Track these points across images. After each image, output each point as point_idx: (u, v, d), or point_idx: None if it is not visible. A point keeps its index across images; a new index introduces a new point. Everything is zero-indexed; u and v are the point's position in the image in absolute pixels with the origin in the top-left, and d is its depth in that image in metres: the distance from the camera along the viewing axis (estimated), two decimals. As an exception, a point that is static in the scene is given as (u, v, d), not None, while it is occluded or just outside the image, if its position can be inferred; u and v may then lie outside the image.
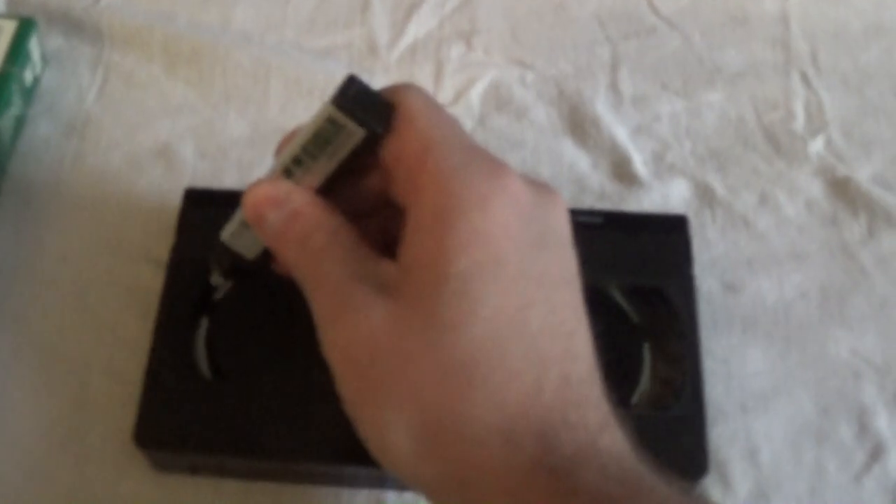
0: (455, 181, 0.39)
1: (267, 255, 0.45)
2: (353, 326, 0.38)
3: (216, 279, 0.48)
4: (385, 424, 0.38)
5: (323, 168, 0.41)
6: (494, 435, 0.37)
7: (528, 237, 0.39)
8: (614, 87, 0.64)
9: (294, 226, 0.41)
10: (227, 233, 0.45)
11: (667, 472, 0.38)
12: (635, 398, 0.50)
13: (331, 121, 0.40)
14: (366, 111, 0.40)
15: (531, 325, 0.38)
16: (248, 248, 0.45)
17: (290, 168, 0.42)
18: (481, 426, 0.37)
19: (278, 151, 0.44)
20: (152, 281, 0.55)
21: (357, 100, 0.40)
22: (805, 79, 0.65)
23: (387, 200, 0.44)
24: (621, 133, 0.62)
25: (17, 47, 0.60)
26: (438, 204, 0.39)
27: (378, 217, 0.45)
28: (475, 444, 0.37)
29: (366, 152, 0.41)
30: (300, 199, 0.41)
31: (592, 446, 0.37)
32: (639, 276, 0.53)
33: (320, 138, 0.40)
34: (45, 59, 0.64)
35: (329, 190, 0.42)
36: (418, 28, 0.67)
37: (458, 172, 0.39)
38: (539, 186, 0.41)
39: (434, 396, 0.37)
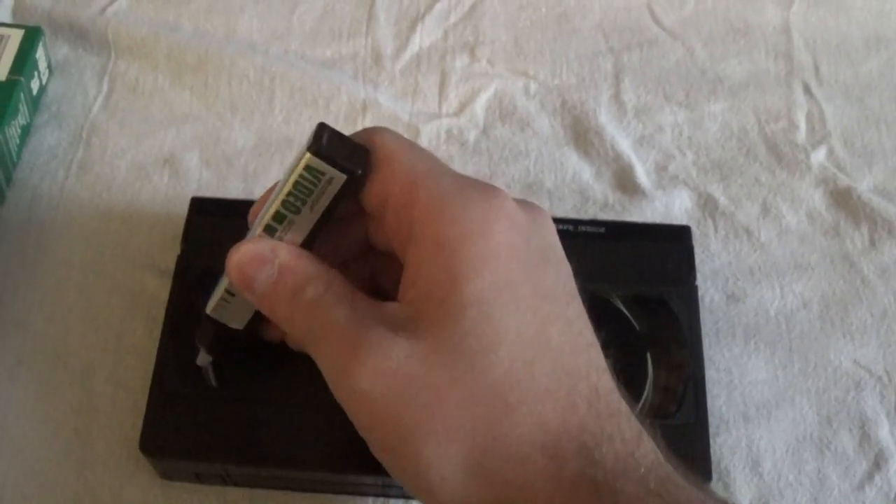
0: (451, 208, 0.39)
1: (255, 322, 0.45)
2: (374, 368, 0.37)
3: (202, 358, 0.48)
4: (428, 463, 0.37)
5: (305, 220, 0.41)
6: (538, 452, 0.37)
7: (531, 256, 0.39)
8: (617, 98, 0.64)
9: (285, 282, 0.40)
10: (212, 305, 0.45)
11: (699, 481, 0.38)
12: (638, 407, 0.50)
13: (309, 169, 0.39)
14: (342, 155, 0.39)
15: (552, 341, 0.38)
16: (235, 318, 0.45)
17: (272, 225, 0.41)
18: (525, 445, 0.37)
19: (253, 215, 0.43)
20: (157, 288, 0.55)
21: (331, 145, 0.39)
22: (807, 89, 0.65)
23: (368, 246, 0.44)
24: (624, 143, 0.62)
25: (24, 56, 0.61)
26: (439, 234, 0.38)
27: (361, 264, 0.45)
28: (521, 463, 0.37)
29: (346, 198, 0.40)
30: (286, 253, 0.41)
31: (631, 457, 0.37)
32: (642, 286, 0.53)
33: (300, 189, 0.40)
34: (51, 68, 0.64)
35: (311, 243, 0.42)
36: (423, 39, 0.67)
37: (452, 200, 0.39)
38: (526, 203, 0.41)
39: (475, 425, 0.37)
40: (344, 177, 0.40)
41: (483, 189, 0.40)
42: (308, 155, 0.39)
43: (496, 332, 0.37)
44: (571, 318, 0.40)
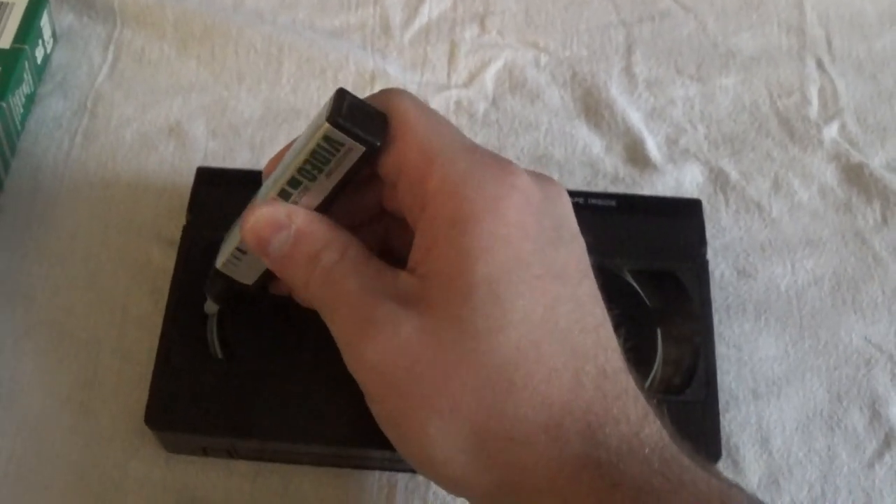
0: (465, 186, 0.38)
1: (265, 278, 0.45)
2: (382, 342, 0.38)
3: (209, 307, 0.48)
4: (432, 440, 0.38)
5: (321, 188, 0.41)
6: (542, 433, 0.37)
7: (544, 234, 0.39)
8: (628, 71, 0.64)
9: (301, 247, 0.41)
10: (222, 260, 0.45)
11: (705, 462, 0.38)
12: (647, 383, 0.50)
13: (327, 139, 0.39)
14: (362, 125, 0.39)
15: (561, 321, 0.38)
16: (245, 274, 0.45)
17: (287, 190, 0.41)
18: (529, 426, 0.37)
19: (267, 172, 0.43)
20: (163, 259, 0.55)
21: (351, 114, 0.39)
22: (820, 64, 0.65)
23: (382, 211, 0.44)
24: (635, 117, 0.62)
25: (29, 24, 0.60)
26: (451, 211, 0.38)
27: (375, 226, 0.44)
28: (524, 444, 0.37)
29: (364, 166, 0.40)
30: (303, 219, 0.41)
31: (636, 438, 0.37)
32: (652, 260, 0.52)
33: (317, 158, 0.39)
34: (55, 37, 0.64)
35: (327, 208, 0.41)
36: (432, 9, 0.66)
37: (465, 177, 0.39)
38: (542, 178, 0.41)
39: (480, 404, 0.37)
40: (363, 148, 0.39)
41: (498, 166, 0.40)
42: (326, 125, 0.38)
43: (504, 312, 0.37)
44: (582, 298, 0.39)
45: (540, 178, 0.41)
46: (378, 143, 0.39)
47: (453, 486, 0.40)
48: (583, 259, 0.41)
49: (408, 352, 0.37)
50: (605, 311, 0.40)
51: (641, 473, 0.36)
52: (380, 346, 0.38)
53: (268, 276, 0.44)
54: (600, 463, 0.36)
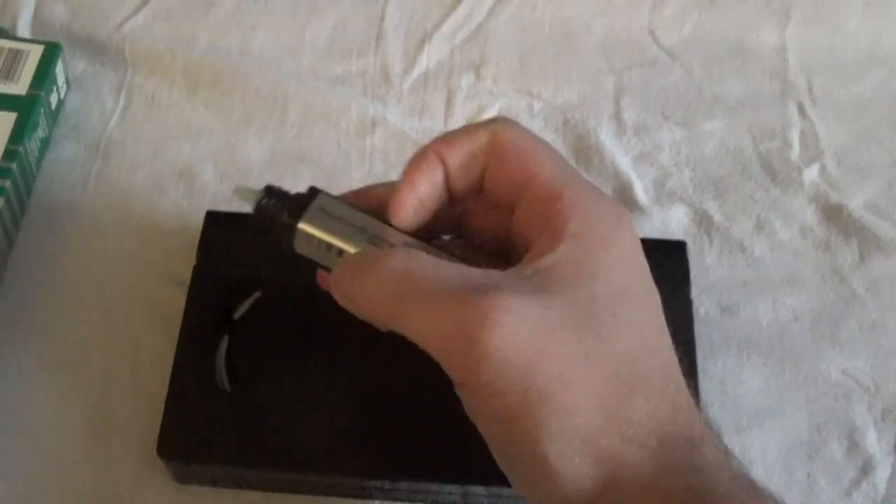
0: (593, 214, 0.42)
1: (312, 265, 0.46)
2: (508, 329, 0.37)
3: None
4: (549, 435, 0.38)
5: (343, 231, 0.44)
6: (652, 437, 0.39)
7: (646, 268, 0.43)
8: (618, 117, 0.66)
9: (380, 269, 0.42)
10: (302, 244, 0.45)
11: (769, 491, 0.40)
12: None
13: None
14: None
15: (662, 342, 0.42)
16: (318, 256, 0.46)
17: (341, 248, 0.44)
18: (641, 429, 0.39)
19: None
20: (174, 298, 0.57)
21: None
22: (801, 109, 0.67)
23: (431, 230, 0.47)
24: (624, 161, 0.64)
25: (43, 71, 0.62)
26: (579, 231, 0.41)
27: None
28: (634, 445, 0.38)
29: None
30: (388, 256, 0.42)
31: (726, 455, 0.40)
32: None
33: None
34: (69, 83, 0.66)
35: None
36: (430, 58, 0.68)
37: (593, 206, 0.42)
38: None
39: (599, 403, 0.38)
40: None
41: (615, 203, 0.44)
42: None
43: (621, 326, 0.40)
44: (664, 327, 0.42)
45: None
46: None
47: (555, 492, 0.39)
48: (658, 294, 0.44)
49: (534, 341, 0.38)
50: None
51: (731, 489, 0.38)
52: (509, 330, 0.38)
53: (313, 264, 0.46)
54: (698, 470, 0.38)
